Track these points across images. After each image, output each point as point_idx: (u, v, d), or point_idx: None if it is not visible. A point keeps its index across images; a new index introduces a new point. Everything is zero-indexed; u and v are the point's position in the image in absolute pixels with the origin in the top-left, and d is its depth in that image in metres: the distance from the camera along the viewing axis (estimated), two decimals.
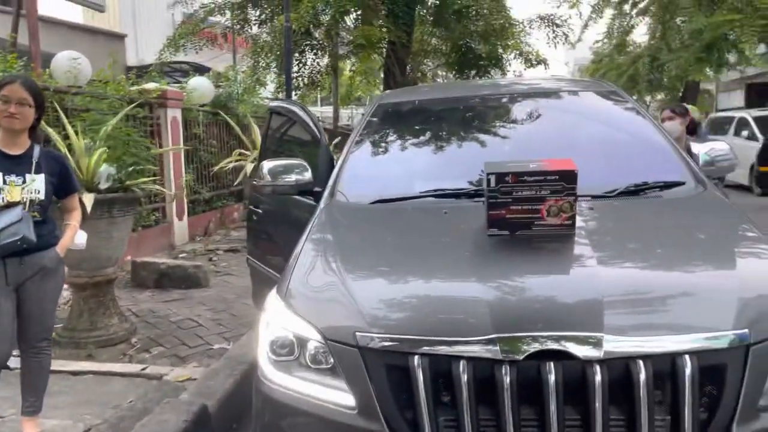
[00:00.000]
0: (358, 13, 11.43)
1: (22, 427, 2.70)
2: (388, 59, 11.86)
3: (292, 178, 2.93)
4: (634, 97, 3.73)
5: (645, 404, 1.53)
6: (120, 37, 15.77)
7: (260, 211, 3.93)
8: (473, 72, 12.62)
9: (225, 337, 4.25)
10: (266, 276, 3.60)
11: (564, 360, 1.57)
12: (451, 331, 1.67)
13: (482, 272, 1.89)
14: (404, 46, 11.42)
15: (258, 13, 12.12)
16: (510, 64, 13.41)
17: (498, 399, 1.56)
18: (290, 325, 1.88)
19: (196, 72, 10.74)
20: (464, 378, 1.58)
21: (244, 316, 4.65)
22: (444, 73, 14.88)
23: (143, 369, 3.57)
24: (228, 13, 12.43)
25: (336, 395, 1.73)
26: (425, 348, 1.64)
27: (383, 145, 3.13)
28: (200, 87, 8.66)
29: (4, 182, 2.51)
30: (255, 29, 12.58)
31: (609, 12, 17.49)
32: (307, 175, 2.93)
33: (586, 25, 17.37)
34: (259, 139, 8.15)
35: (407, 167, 2.90)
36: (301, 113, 3.67)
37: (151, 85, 7.52)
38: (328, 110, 20.30)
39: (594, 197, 2.37)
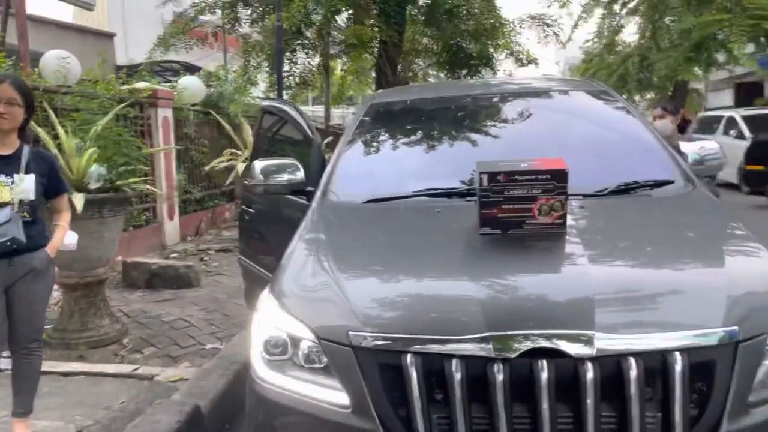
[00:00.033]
0: (350, 12, 11.44)
1: (13, 428, 2.68)
2: (379, 59, 11.87)
3: (285, 177, 2.93)
4: (624, 97, 3.76)
5: (636, 401, 1.54)
6: (109, 36, 15.69)
7: (252, 210, 3.92)
8: (464, 71, 12.66)
9: (217, 337, 4.24)
10: (258, 276, 3.60)
11: (556, 358, 1.58)
12: (443, 329, 1.68)
13: (474, 271, 1.90)
14: (395, 46, 11.43)
15: (249, 12, 12.09)
16: (501, 64, 13.47)
17: (491, 397, 1.57)
18: (283, 325, 1.89)
19: (186, 71, 10.70)
20: (457, 376, 1.59)
21: (236, 315, 4.64)
22: (435, 73, 14.90)
23: (135, 369, 3.55)
24: (218, 12, 12.39)
25: (329, 394, 1.73)
26: (418, 346, 1.65)
27: (376, 144, 3.13)
28: (191, 86, 8.63)
29: None
30: (246, 28, 12.55)
31: (599, 12, 17.58)
32: (300, 174, 2.93)
33: (576, 25, 17.46)
34: (250, 139, 8.14)
35: (400, 166, 2.90)
36: (293, 113, 3.67)
37: (141, 85, 7.48)
38: (320, 110, 20.28)
39: (585, 196, 2.38)
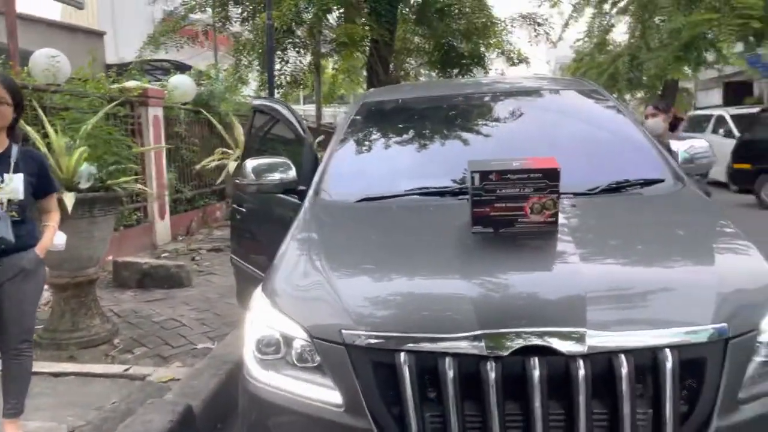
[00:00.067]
0: (341, 11, 11.43)
1: (4, 429, 2.66)
2: (371, 57, 11.87)
3: (277, 176, 2.93)
4: (615, 96, 3.78)
5: (627, 398, 1.55)
6: (99, 35, 15.57)
7: (244, 210, 3.91)
8: (456, 71, 12.69)
9: (209, 336, 4.23)
10: (250, 275, 3.59)
11: (548, 355, 1.59)
12: (436, 327, 1.69)
13: (467, 269, 1.90)
14: (387, 45, 11.44)
15: (239, 10, 12.05)
16: (492, 63, 13.52)
17: (483, 395, 1.58)
18: (276, 324, 1.88)
19: (177, 70, 10.67)
20: (450, 374, 1.59)
21: (227, 315, 4.63)
22: (427, 72, 14.92)
23: (126, 370, 3.54)
24: (209, 11, 12.34)
25: (323, 393, 1.73)
26: (411, 345, 1.65)
27: (368, 143, 3.13)
28: (182, 85, 8.59)
29: None
30: (237, 27, 12.52)
31: (589, 11, 17.63)
32: (292, 173, 2.92)
33: (566, 24, 17.50)
34: (241, 138, 8.12)
35: (392, 165, 2.91)
36: (284, 112, 3.67)
37: (131, 84, 7.45)
38: (311, 108, 20.25)
39: (576, 195, 2.40)
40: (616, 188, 2.51)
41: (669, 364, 1.57)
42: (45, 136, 4.11)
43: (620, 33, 19.13)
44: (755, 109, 13.25)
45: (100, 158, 4.02)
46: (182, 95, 8.51)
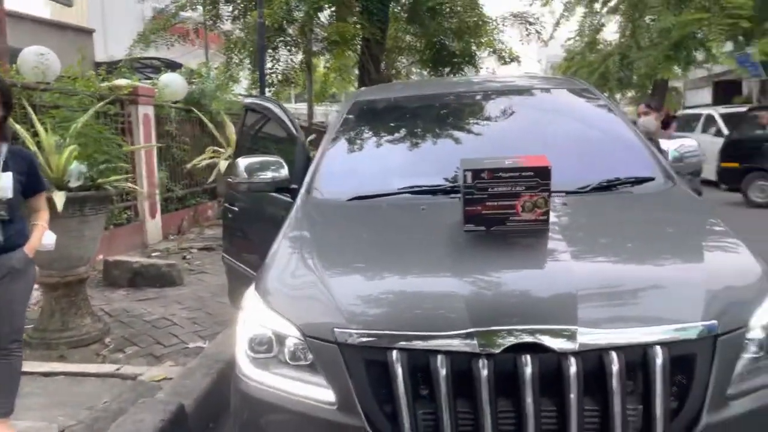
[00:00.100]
0: (332, 9, 11.42)
1: None
2: (362, 56, 11.87)
3: (269, 175, 2.92)
4: (605, 95, 3.79)
5: (618, 395, 1.57)
6: (88, 32, 15.48)
7: (236, 208, 3.90)
8: (447, 69, 12.71)
9: (201, 335, 4.21)
10: (242, 274, 3.58)
11: (540, 353, 1.60)
12: (428, 325, 1.69)
13: (459, 267, 1.91)
14: (378, 43, 11.44)
15: (230, 8, 12.02)
16: (483, 62, 13.55)
17: (476, 392, 1.59)
18: (268, 322, 1.88)
19: (167, 68, 10.61)
20: (442, 372, 1.60)
21: (219, 314, 4.62)
22: (418, 71, 14.93)
23: (117, 369, 3.52)
24: (200, 9, 12.29)
25: (315, 391, 1.74)
26: (403, 343, 1.66)
27: (360, 142, 3.13)
28: (172, 83, 8.55)
29: None
30: (227, 25, 12.47)
31: (580, 10, 17.73)
32: (284, 172, 2.92)
33: (558, 23, 17.58)
34: (233, 137, 8.09)
35: (384, 164, 2.91)
36: (276, 110, 3.66)
37: (122, 82, 7.40)
38: (303, 107, 20.20)
39: (567, 193, 2.41)
40: (607, 186, 2.52)
41: (659, 361, 1.58)
42: (35, 134, 4.08)
43: (611, 32, 19.22)
44: (744, 108, 13.36)
45: (90, 157, 3.99)
46: (173, 94, 8.46)
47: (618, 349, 1.60)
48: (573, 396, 1.56)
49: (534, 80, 3.88)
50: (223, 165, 7.80)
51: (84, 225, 3.90)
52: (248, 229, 3.80)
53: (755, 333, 1.72)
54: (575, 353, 1.59)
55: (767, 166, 10.26)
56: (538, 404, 1.58)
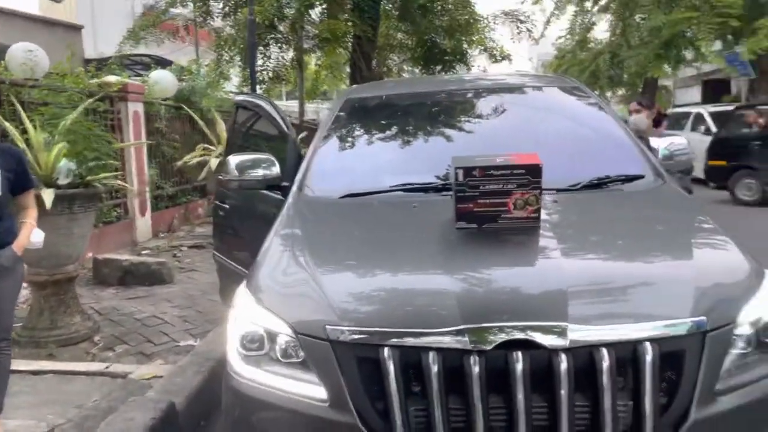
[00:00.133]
0: (324, 6, 11.39)
1: None
2: (353, 53, 11.85)
3: (260, 172, 2.92)
4: (596, 93, 3.83)
5: (608, 390, 1.57)
6: (77, 29, 15.34)
7: (227, 206, 3.89)
8: (439, 67, 12.72)
9: (191, 333, 4.20)
10: (233, 272, 3.57)
11: (531, 349, 1.60)
12: (420, 322, 1.69)
13: (450, 265, 1.92)
14: (370, 41, 11.42)
15: (221, 5, 11.96)
16: (475, 60, 13.57)
17: (467, 389, 1.59)
18: (260, 320, 1.88)
19: (157, 65, 10.54)
20: (434, 369, 1.60)
21: (210, 312, 4.60)
22: (410, 68, 14.93)
23: (107, 367, 3.50)
24: (190, 5, 12.22)
25: (307, 388, 1.73)
26: (395, 340, 1.66)
27: (351, 139, 3.13)
28: (162, 80, 8.49)
29: None
30: (218, 22, 12.41)
31: (571, 8, 17.79)
32: (275, 169, 2.91)
33: (548, 21, 17.64)
34: (223, 134, 8.06)
35: (376, 162, 2.91)
36: (267, 107, 3.65)
37: (111, 78, 7.35)
38: (294, 104, 20.14)
39: (558, 191, 2.42)
40: (597, 184, 2.54)
41: (649, 357, 1.59)
42: (23, 131, 4.04)
43: (601, 31, 19.31)
44: (732, 107, 13.46)
45: (79, 154, 3.96)
46: (163, 91, 8.41)
47: (608, 345, 1.60)
48: (564, 392, 1.57)
49: (525, 78, 3.89)
50: (213, 162, 7.76)
51: (73, 223, 3.87)
52: (239, 227, 3.79)
53: (743, 329, 1.74)
54: (566, 350, 1.59)
55: (754, 164, 10.34)
56: (529, 401, 1.58)
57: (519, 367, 1.58)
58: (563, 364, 1.58)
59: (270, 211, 2.89)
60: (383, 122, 3.23)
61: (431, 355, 1.61)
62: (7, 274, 2.59)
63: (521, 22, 13.45)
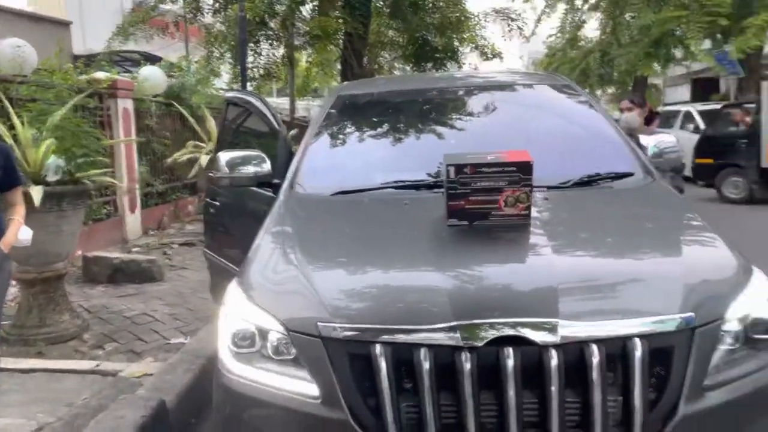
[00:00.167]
0: (315, 3, 11.36)
1: None
2: (344, 51, 11.82)
3: (251, 169, 2.91)
4: (586, 91, 3.84)
5: (598, 386, 1.59)
6: (65, 25, 15.20)
7: (217, 203, 3.88)
8: (430, 65, 12.72)
9: (182, 331, 4.18)
10: (224, 269, 3.56)
11: (522, 346, 1.61)
12: (412, 319, 1.70)
13: (442, 262, 1.92)
14: (361, 38, 11.39)
15: (211, 1, 11.88)
16: (466, 57, 13.58)
17: (458, 385, 1.60)
18: (251, 317, 1.88)
19: (147, 61, 10.46)
20: (425, 365, 1.61)
21: (200, 310, 4.59)
22: (401, 66, 14.92)
23: (97, 365, 3.48)
24: (180, 1, 12.14)
25: (299, 385, 1.73)
26: (387, 336, 1.66)
27: (343, 136, 3.13)
28: (152, 77, 8.44)
29: None
30: (208, 18, 12.34)
31: (562, 7, 17.86)
32: (266, 166, 2.91)
33: (539, 20, 17.70)
34: (214, 131, 8.02)
35: (367, 159, 2.91)
36: (258, 104, 3.64)
37: (100, 75, 7.29)
38: (285, 101, 20.07)
39: (549, 188, 2.43)
40: (588, 182, 2.55)
41: (638, 353, 1.61)
42: (11, 128, 4.01)
43: (592, 29, 19.40)
44: (720, 105, 13.57)
45: (68, 151, 3.93)
46: (153, 87, 8.36)
47: (598, 341, 1.62)
48: (554, 388, 1.58)
49: (516, 76, 3.90)
50: (204, 159, 7.73)
51: (62, 220, 3.84)
52: (230, 224, 3.78)
53: (731, 325, 1.76)
54: (556, 346, 1.60)
55: (741, 162, 10.42)
56: (520, 396, 1.59)
57: (510, 363, 1.59)
58: (554, 360, 1.59)
59: (261, 208, 2.88)
60: (375, 119, 3.23)
61: (423, 351, 1.62)
62: None
63: (512, 20, 13.46)
